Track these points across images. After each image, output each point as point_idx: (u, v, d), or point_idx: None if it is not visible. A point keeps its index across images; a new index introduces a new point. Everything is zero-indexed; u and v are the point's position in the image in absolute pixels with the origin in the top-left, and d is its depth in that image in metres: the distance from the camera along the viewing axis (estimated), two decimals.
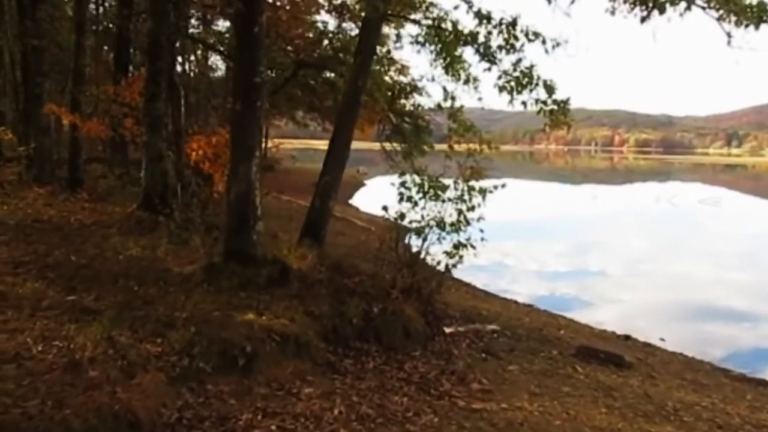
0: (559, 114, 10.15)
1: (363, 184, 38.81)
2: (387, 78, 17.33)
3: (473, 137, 12.84)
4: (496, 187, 9.14)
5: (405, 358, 6.94)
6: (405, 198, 9.00)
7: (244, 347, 5.93)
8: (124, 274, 7.62)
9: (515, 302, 13.23)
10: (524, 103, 10.29)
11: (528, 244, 23.19)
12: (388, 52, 17.07)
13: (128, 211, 11.38)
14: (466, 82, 12.09)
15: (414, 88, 17.41)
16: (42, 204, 12.71)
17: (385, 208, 9.22)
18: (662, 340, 10.94)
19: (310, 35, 17.51)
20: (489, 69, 10.51)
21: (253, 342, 6.06)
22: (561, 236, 25.84)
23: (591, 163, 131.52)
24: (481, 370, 6.88)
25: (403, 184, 9.01)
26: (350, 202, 30.12)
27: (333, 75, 18.30)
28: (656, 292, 16.25)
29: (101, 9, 22.68)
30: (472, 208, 8.76)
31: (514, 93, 10.24)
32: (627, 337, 10.62)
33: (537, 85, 10.11)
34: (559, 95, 10.27)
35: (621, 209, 38.33)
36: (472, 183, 8.99)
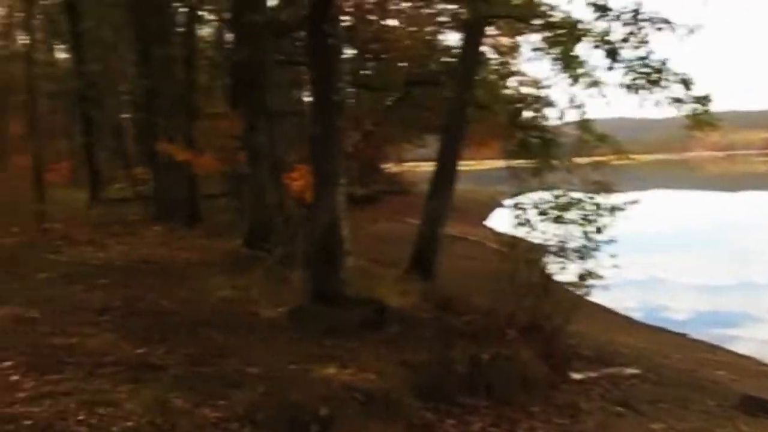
0: (701, 113, 8.60)
1: (500, 204, 37.20)
2: (509, 90, 16.08)
3: (607, 148, 11.49)
4: (630, 203, 7.80)
5: (520, 416, 5.74)
6: (521, 222, 7.86)
7: (317, 410, 5.01)
8: (207, 321, 6.97)
9: (664, 331, 11.53)
10: (657, 104, 8.83)
11: (682, 256, 21.21)
12: (506, 62, 15.86)
13: (233, 248, 10.97)
14: (592, 85, 10.73)
15: (538, 99, 16.01)
16: (158, 243, 12.58)
17: (498, 233, 8.10)
18: None
19: (421, 51, 16.53)
20: (611, 68, 9.15)
21: (330, 403, 5.11)
22: (718, 246, 23.51)
23: (752, 168, 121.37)
24: (616, 431, 5.55)
25: (517, 206, 7.87)
26: (485, 223, 28.81)
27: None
28: None
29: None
30: (599, 231, 7.44)
31: (644, 91, 8.81)
32: None
33: (669, 80, 8.62)
34: (697, 92, 8.75)
35: None
36: (600, 200, 7.68)
